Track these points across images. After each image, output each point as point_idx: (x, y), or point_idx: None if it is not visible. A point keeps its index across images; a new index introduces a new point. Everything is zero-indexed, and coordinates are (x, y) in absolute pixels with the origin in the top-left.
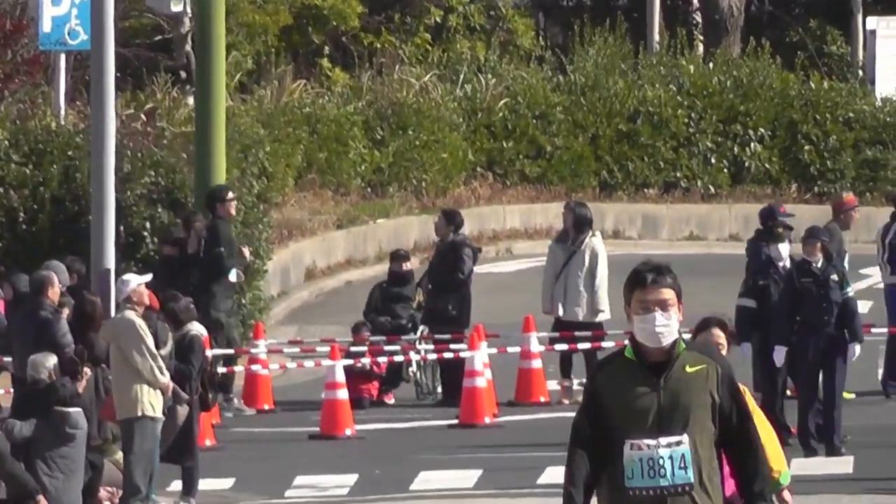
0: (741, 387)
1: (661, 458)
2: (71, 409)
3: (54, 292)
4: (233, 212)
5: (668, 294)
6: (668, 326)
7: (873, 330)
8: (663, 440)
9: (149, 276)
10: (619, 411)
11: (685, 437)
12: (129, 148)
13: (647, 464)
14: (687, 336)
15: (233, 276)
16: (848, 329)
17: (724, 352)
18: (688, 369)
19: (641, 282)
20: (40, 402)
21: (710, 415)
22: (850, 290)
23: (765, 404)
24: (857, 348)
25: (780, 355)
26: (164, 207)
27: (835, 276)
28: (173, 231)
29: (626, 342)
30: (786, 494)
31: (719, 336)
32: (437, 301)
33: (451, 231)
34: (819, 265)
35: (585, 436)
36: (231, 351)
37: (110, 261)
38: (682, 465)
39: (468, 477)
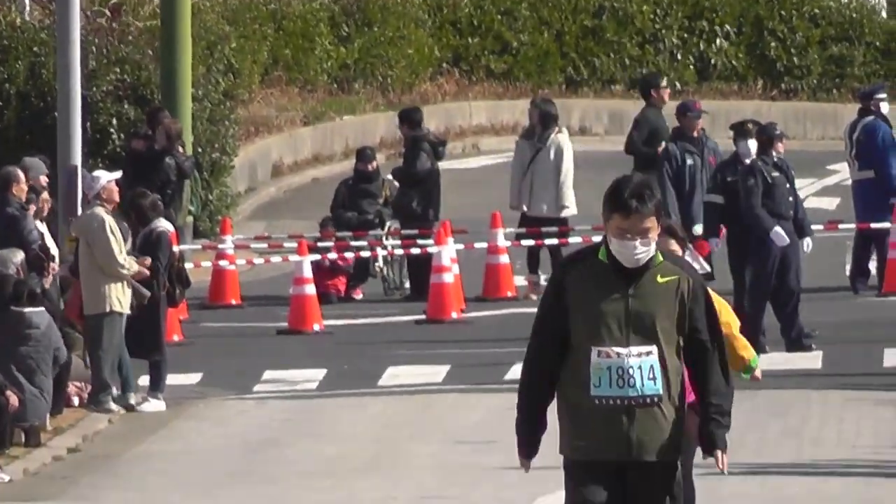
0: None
1: (631, 367)
2: (27, 309)
3: (20, 188)
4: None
5: (650, 222)
6: (648, 251)
7: (840, 226)
8: (633, 349)
9: (119, 174)
10: (585, 313)
11: (654, 348)
12: (94, 44)
13: (616, 373)
14: None
15: None
16: (798, 224)
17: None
18: (659, 279)
19: (623, 208)
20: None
21: (679, 325)
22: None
23: (737, 302)
24: (810, 242)
25: (780, 235)
26: (131, 104)
27: (792, 171)
28: (140, 127)
29: (601, 245)
30: (757, 373)
31: (671, 244)
32: (403, 197)
33: (407, 129)
34: (778, 160)
35: (546, 338)
36: (198, 247)
37: (77, 157)
38: (652, 375)
39: (436, 372)
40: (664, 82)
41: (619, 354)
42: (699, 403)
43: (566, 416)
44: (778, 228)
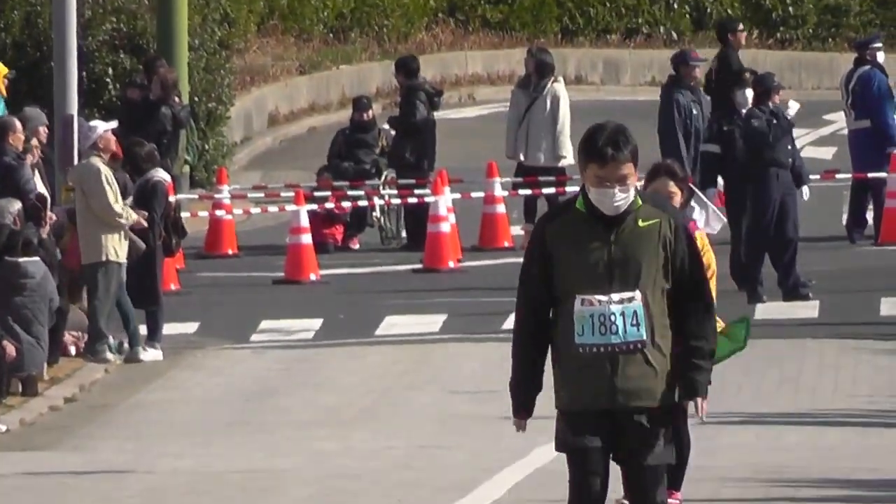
0: (701, 238)
1: (613, 314)
2: (22, 259)
3: (16, 137)
4: None
5: (627, 169)
6: (626, 198)
7: (837, 176)
8: (615, 296)
9: (115, 123)
10: (568, 265)
11: (637, 294)
12: None
13: (599, 320)
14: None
15: None
16: (795, 173)
17: (676, 200)
18: (640, 223)
19: (599, 157)
20: None
21: (663, 269)
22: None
23: (734, 251)
24: (806, 190)
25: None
26: (127, 53)
27: (788, 121)
28: (136, 77)
29: (579, 195)
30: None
31: (669, 185)
32: (397, 147)
33: (406, 79)
34: (776, 109)
35: (532, 295)
36: (195, 197)
37: (73, 107)
38: (635, 321)
39: (432, 321)
40: (741, 26)
41: (601, 302)
42: (680, 345)
43: (556, 366)
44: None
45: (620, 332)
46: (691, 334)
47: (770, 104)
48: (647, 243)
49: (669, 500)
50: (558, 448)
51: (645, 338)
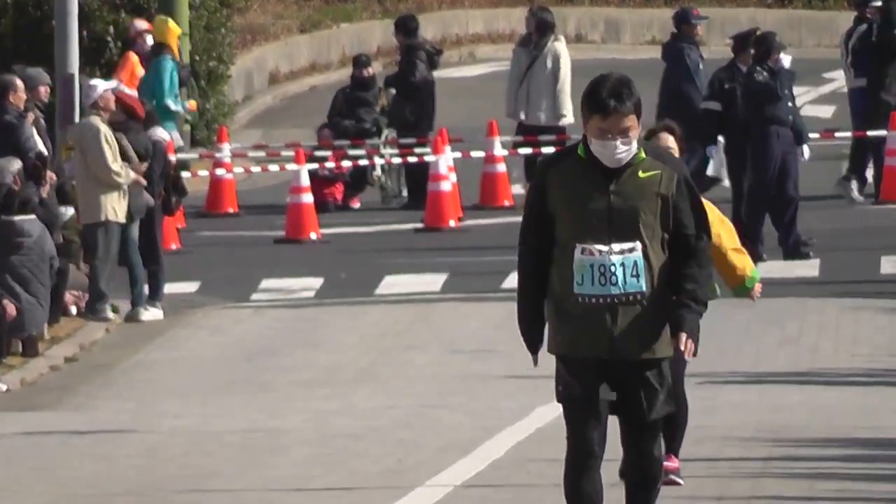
0: (711, 207)
1: (613, 264)
2: (17, 218)
3: (17, 97)
4: None
5: (630, 121)
6: (629, 150)
7: (837, 134)
8: (616, 246)
9: (115, 83)
10: (568, 211)
11: (638, 244)
12: None
13: (599, 270)
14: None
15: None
16: (798, 133)
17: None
18: (641, 174)
19: (602, 109)
20: None
21: (662, 220)
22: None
23: (735, 210)
24: (806, 150)
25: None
26: (128, 12)
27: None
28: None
29: (580, 142)
30: (757, 290)
31: (668, 140)
32: (396, 106)
33: (406, 38)
34: (778, 68)
35: (533, 240)
36: (195, 156)
37: (74, 66)
38: (635, 272)
39: (434, 281)
40: None
41: (601, 252)
42: (674, 290)
43: (552, 313)
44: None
45: (620, 283)
46: (686, 276)
47: (770, 63)
48: (647, 194)
49: (667, 464)
50: (559, 398)
51: (644, 289)
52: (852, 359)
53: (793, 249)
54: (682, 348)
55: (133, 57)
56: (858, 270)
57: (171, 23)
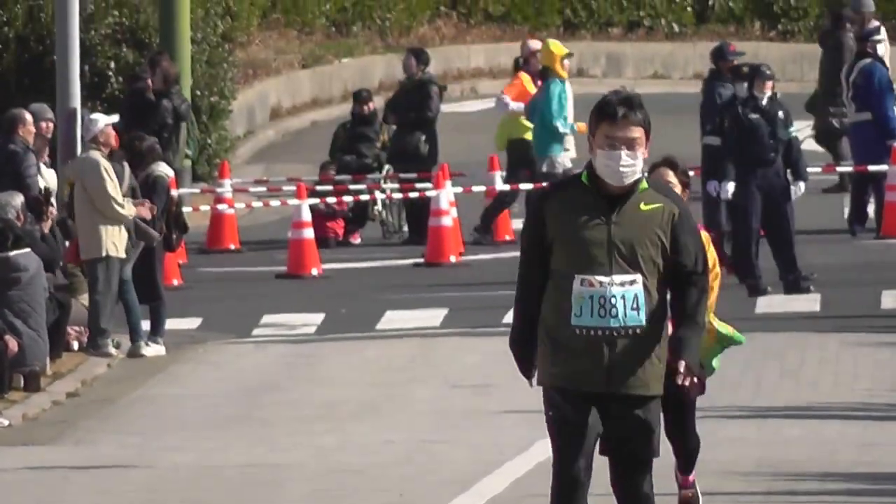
0: (704, 235)
1: (615, 296)
2: (12, 252)
3: (26, 130)
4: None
5: (638, 132)
6: (634, 166)
7: (838, 169)
8: (617, 278)
9: (116, 117)
10: (567, 241)
11: (639, 277)
12: None
13: (598, 302)
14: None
15: None
16: (792, 167)
17: (677, 191)
18: (643, 207)
19: (611, 115)
20: None
21: (664, 254)
22: (794, 130)
23: (734, 245)
24: (802, 186)
25: (726, 190)
26: (129, 47)
27: (781, 114)
28: (139, 70)
29: (584, 170)
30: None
31: (668, 175)
32: (407, 139)
33: (420, 69)
34: (765, 102)
35: (535, 275)
36: (197, 190)
37: (76, 101)
38: (635, 305)
39: (434, 316)
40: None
41: (601, 283)
42: (674, 320)
43: (546, 344)
44: (729, 186)
45: (620, 315)
46: (685, 303)
47: (764, 94)
48: (648, 227)
49: (684, 487)
50: (549, 423)
51: (644, 323)
52: (853, 393)
53: (794, 284)
54: (680, 381)
55: (523, 76)
56: (859, 305)
57: (552, 45)
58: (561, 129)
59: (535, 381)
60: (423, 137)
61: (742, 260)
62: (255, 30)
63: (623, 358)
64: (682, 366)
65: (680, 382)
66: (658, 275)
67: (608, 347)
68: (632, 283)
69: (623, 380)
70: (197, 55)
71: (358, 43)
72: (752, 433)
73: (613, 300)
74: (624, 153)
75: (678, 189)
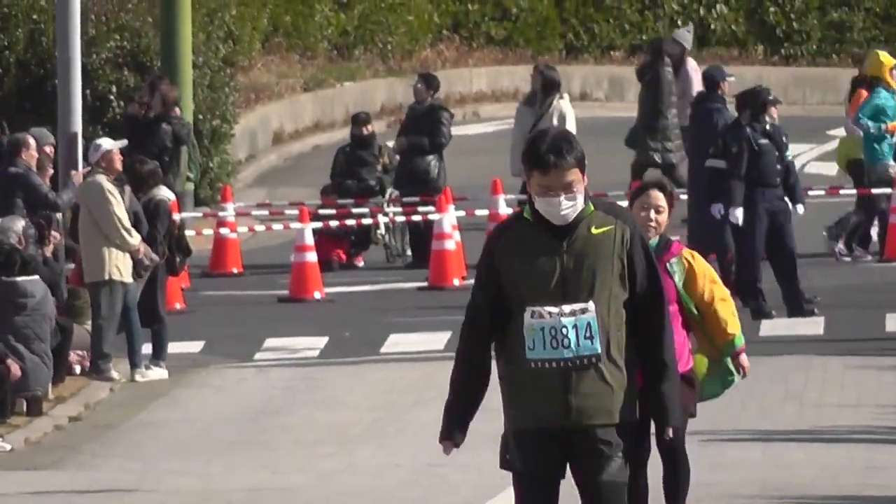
0: (695, 254)
1: (565, 326)
2: (19, 279)
3: (29, 154)
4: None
5: (573, 175)
6: (574, 205)
7: (841, 192)
8: (566, 308)
9: (124, 142)
10: (519, 279)
11: (591, 305)
12: (93, 11)
13: (550, 333)
14: (625, 203)
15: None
16: (790, 191)
17: (664, 214)
18: (593, 231)
19: (541, 164)
20: None
21: (619, 279)
22: (790, 155)
23: (738, 267)
24: (801, 209)
25: (736, 217)
26: (130, 71)
27: (784, 138)
28: (135, 95)
29: (526, 205)
30: (742, 358)
31: (658, 198)
32: (418, 164)
33: (430, 95)
34: (770, 127)
35: (484, 325)
36: (199, 214)
37: (77, 125)
38: (588, 334)
39: (437, 339)
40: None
41: (551, 314)
42: (645, 359)
43: (505, 386)
44: (738, 211)
45: (573, 345)
46: (651, 353)
47: (766, 120)
48: (601, 252)
49: None
50: (503, 465)
51: (599, 351)
52: (857, 416)
53: (797, 307)
54: (668, 439)
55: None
56: (863, 328)
57: (881, 56)
58: (871, 130)
59: (450, 447)
60: (433, 163)
61: (746, 283)
62: (257, 54)
63: (580, 389)
64: (669, 432)
65: (668, 439)
66: (614, 299)
67: (563, 379)
68: (583, 311)
69: (582, 411)
70: (199, 79)
71: (360, 66)
72: (756, 456)
73: (564, 330)
74: (562, 198)
75: (665, 212)
